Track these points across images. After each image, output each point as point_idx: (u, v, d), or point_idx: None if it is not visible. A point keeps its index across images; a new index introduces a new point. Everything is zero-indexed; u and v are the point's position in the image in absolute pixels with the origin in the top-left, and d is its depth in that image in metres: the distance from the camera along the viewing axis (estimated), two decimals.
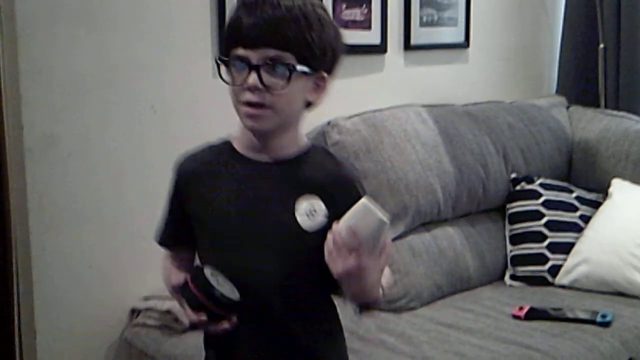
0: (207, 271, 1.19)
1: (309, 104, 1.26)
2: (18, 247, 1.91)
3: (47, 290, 1.91)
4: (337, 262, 1.14)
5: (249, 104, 1.19)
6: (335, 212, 1.19)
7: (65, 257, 1.93)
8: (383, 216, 1.13)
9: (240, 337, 1.25)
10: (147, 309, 1.98)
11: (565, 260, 2.35)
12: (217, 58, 1.24)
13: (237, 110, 1.23)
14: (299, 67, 1.19)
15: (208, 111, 2.11)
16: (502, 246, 2.46)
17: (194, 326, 1.24)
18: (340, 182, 1.27)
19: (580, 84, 2.96)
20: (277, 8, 1.17)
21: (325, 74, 1.24)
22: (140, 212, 2.03)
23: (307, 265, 1.24)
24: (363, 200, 1.15)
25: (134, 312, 2.01)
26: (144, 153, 2.04)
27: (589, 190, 2.54)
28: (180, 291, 1.22)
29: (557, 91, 3.02)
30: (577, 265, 2.33)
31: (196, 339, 1.86)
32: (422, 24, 2.63)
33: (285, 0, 1.19)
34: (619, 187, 2.48)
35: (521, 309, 2.09)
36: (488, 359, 1.84)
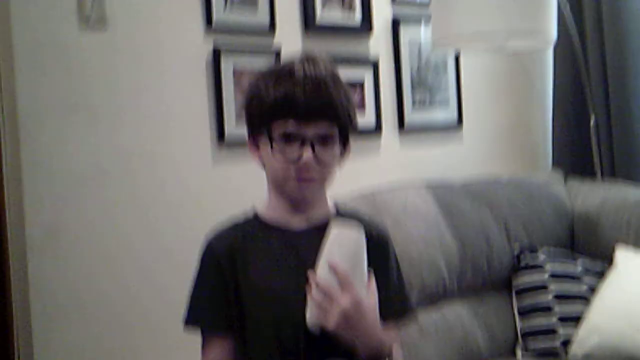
0: None
1: None
2: (20, 341, 1.89)
3: None
4: (331, 312, 1.13)
5: (302, 179, 1.23)
6: (374, 270, 1.23)
7: (69, 352, 1.91)
8: (356, 229, 1.14)
9: None
10: None
11: (576, 332, 2.31)
12: (254, 133, 1.28)
13: (280, 182, 1.25)
14: (342, 139, 1.26)
15: (210, 198, 2.14)
16: (511, 320, 2.42)
17: None
18: (378, 242, 1.32)
19: (576, 156, 2.99)
20: (324, 81, 1.21)
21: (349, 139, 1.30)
22: (146, 301, 2.03)
23: None
24: (333, 230, 1.15)
25: None
26: (145, 244, 2.04)
27: (593, 257, 2.53)
28: None
29: (553, 165, 3.04)
30: (588, 337, 2.28)
31: None
32: (415, 106, 2.69)
33: (321, 68, 1.22)
34: (623, 254, 2.47)
35: None
36: None
